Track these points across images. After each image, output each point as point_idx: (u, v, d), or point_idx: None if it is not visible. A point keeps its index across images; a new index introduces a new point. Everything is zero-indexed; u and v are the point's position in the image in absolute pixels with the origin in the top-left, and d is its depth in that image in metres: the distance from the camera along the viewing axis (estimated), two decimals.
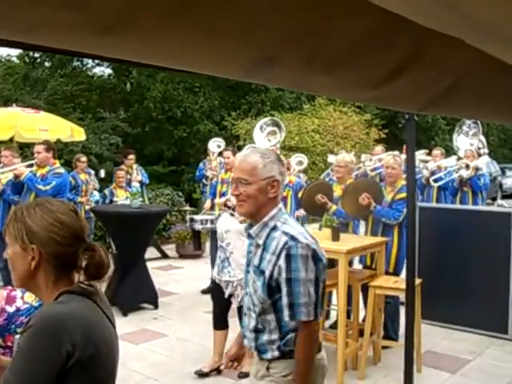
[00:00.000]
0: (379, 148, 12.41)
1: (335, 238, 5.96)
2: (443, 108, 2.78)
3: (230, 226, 5.52)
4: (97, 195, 10.72)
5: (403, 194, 6.46)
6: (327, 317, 7.05)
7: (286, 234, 2.80)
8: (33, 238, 1.91)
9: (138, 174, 11.61)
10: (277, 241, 2.79)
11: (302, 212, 8.19)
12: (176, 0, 1.33)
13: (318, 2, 1.66)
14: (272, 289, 2.79)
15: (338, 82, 2.02)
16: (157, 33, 1.36)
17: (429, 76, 2.31)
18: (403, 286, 5.46)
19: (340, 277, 5.55)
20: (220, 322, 5.75)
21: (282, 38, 1.67)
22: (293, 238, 2.77)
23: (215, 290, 5.76)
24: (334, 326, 6.65)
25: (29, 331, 1.78)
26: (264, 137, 10.89)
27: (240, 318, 5.45)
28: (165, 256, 11.21)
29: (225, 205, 5.80)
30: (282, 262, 2.75)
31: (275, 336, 2.84)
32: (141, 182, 11.52)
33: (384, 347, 6.19)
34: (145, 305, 7.90)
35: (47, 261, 1.92)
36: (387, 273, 6.35)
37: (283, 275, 2.75)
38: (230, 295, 5.53)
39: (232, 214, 5.55)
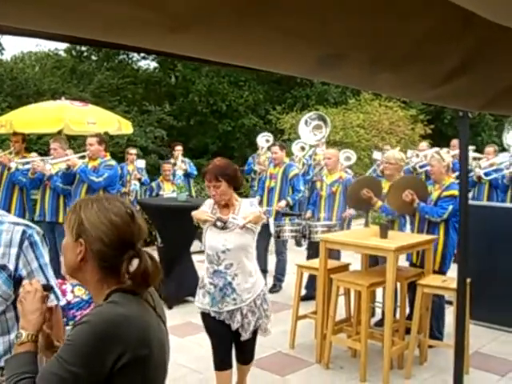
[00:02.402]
0: (424, 144, 12.27)
1: (383, 235, 5.91)
2: (503, 106, 2.71)
3: (228, 244, 4.46)
4: (137, 185, 10.83)
5: (450, 192, 6.41)
6: (372, 314, 6.99)
7: (17, 223, 2.65)
8: (81, 233, 1.92)
9: (183, 163, 11.70)
10: (8, 233, 2.60)
11: (350, 212, 8.07)
12: (246, 0, 1.31)
13: (382, 2, 1.63)
14: (18, 281, 2.57)
15: (401, 81, 1.99)
16: (227, 31, 1.35)
17: (491, 74, 2.25)
18: (452, 285, 5.41)
19: (388, 275, 5.50)
20: (226, 362, 4.65)
21: (349, 36, 1.65)
22: (27, 225, 2.65)
23: (213, 327, 4.64)
24: (379, 324, 6.61)
25: (84, 327, 1.79)
26: (309, 131, 10.85)
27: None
28: None
29: (218, 220, 4.55)
30: (27, 252, 2.60)
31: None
32: (187, 174, 11.60)
33: (429, 346, 6.11)
34: (189, 298, 7.91)
35: (92, 258, 1.93)
36: (433, 271, 6.28)
37: (34, 264, 2.62)
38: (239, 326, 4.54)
39: (224, 228, 4.50)
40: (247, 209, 4.58)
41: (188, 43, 1.35)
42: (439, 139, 17.54)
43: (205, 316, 4.69)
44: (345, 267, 6.56)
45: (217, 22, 1.28)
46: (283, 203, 8.63)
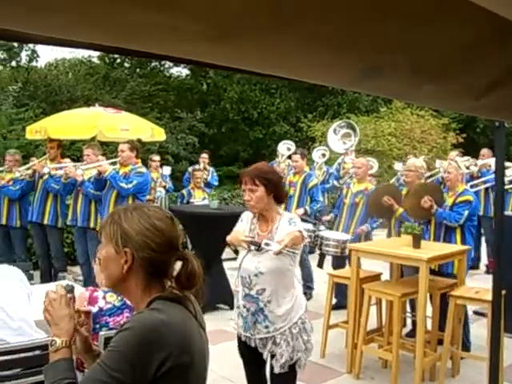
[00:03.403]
0: (455, 153, 12.18)
1: (416, 245, 5.86)
2: None
3: (262, 267, 3.91)
4: (162, 192, 10.88)
5: (465, 197, 6.54)
6: (403, 325, 6.94)
7: None
8: (127, 242, 1.94)
9: (205, 172, 11.74)
10: None
11: (363, 229, 7.95)
12: (286, 9, 1.32)
13: (423, 11, 1.63)
14: None
15: (439, 92, 1.98)
16: (268, 41, 1.36)
17: None
18: (485, 296, 5.35)
19: (420, 285, 5.45)
20: None
21: (388, 47, 1.64)
22: None
23: (243, 352, 4.28)
24: (410, 334, 6.56)
25: (127, 333, 1.81)
26: (338, 139, 10.81)
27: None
28: None
29: (251, 243, 3.97)
30: None
31: None
32: (206, 183, 11.63)
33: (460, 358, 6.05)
34: (221, 305, 7.94)
35: (140, 266, 1.94)
36: (451, 275, 6.29)
37: None
38: (272, 355, 4.00)
39: (259, 249, 3.90)
40: (285, 228, 3.97)
41: (228, 53, 1.36)
42: (471, 148, 17.36)
43: (238, 339, 4.27)
44: (376, 277, 6.53)
45: (258, 33, 1.29)
46: (301, 211, 8.63)
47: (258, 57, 1.45)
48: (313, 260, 9.15)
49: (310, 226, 7.78)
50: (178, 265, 1.98)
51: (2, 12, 1.09)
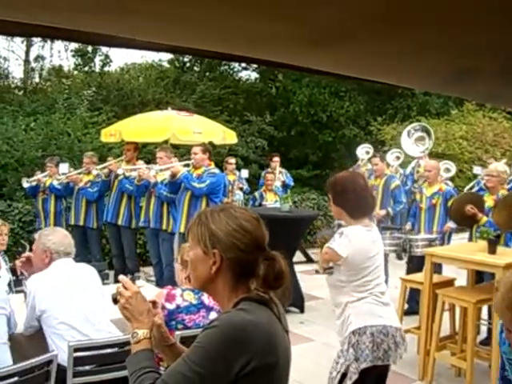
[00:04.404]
0: None
1: (491, 250, 5.74)
2: None
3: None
4: (241, 194, 10.96)
5: None
6: (477, 332, 6.80)
7: None
8: (215, 243, 1.97)
9: (281, 174, 11.78)
10: None
11: (450, 225, 7.90)
12: (384, 14, 1.32)
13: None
14: None
15: None
16: (362, 45, 1.37)
17: None
18: None
19: None
20: None
21: (478, 49, 1.63)
22: None
23: None
24: (485, 343, 6.43)
25: (213, 331, 1.84)
26: (412, 143, 10.69)
27: None
28: (310, 260, 11.24)
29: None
30: None
31: None
32: (284, 185, 11.67)
33: None
34: (291, 308, 7.95)
35: (228, 266, 1.97)
36: None
37: None
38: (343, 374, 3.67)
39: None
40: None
41: (324, 58, 1.38)
42: None
43: None
44: (450, 282, 6.42)
45: (355, 37, 1.30)
46: (383, 212, 8.59)
47: (354, 62, 1.46)
48: (396, 267, 9.09)
49: (397, 234, 7.75)
50: (265, 265, 2.00)
51: (88, 17, 1.13)
